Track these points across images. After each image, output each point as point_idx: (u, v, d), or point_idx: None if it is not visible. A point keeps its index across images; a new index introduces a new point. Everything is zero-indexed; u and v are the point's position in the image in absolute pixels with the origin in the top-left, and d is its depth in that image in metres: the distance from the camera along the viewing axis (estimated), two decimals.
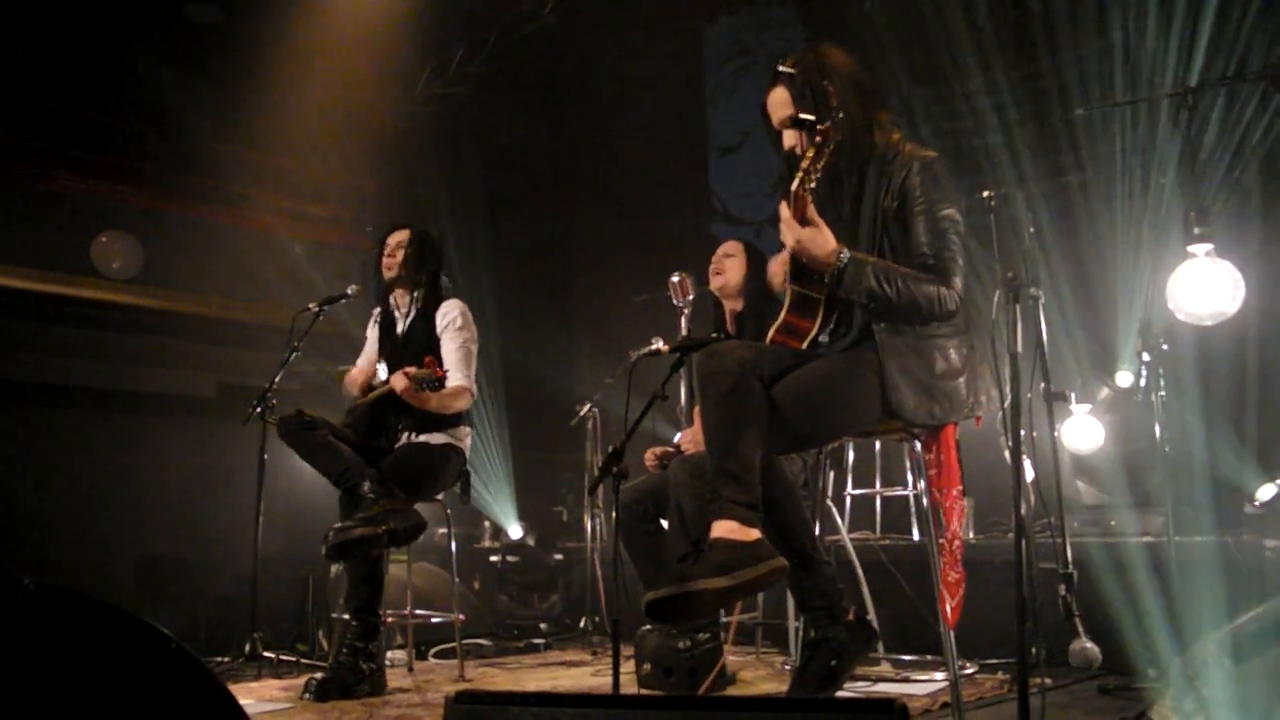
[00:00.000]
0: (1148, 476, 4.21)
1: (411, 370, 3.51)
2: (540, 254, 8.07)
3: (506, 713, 1.53)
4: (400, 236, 3.85)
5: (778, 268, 2.64)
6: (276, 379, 4.20)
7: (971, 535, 4.28)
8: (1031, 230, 2.64)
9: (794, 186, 2.32)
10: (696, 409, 3.19)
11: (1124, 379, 4.54)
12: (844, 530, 3.97)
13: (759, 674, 3.73)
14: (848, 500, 4.39)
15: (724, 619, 3.70)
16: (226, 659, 4.24)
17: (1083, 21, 5.16)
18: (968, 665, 3.49)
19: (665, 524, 3.41)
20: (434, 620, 4.45)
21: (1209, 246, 3.52)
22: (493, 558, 6.18)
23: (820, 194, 2.38)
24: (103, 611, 1.20)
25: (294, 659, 4.25)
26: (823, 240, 2.35)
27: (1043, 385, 2.72)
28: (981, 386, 2.51)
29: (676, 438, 3.74)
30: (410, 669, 3.99)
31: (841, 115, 2.36)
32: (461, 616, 4.03)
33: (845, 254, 2.36)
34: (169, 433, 6.19)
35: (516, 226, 7.96)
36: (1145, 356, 3.54)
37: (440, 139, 7.42)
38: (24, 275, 5.97)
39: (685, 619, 3.01)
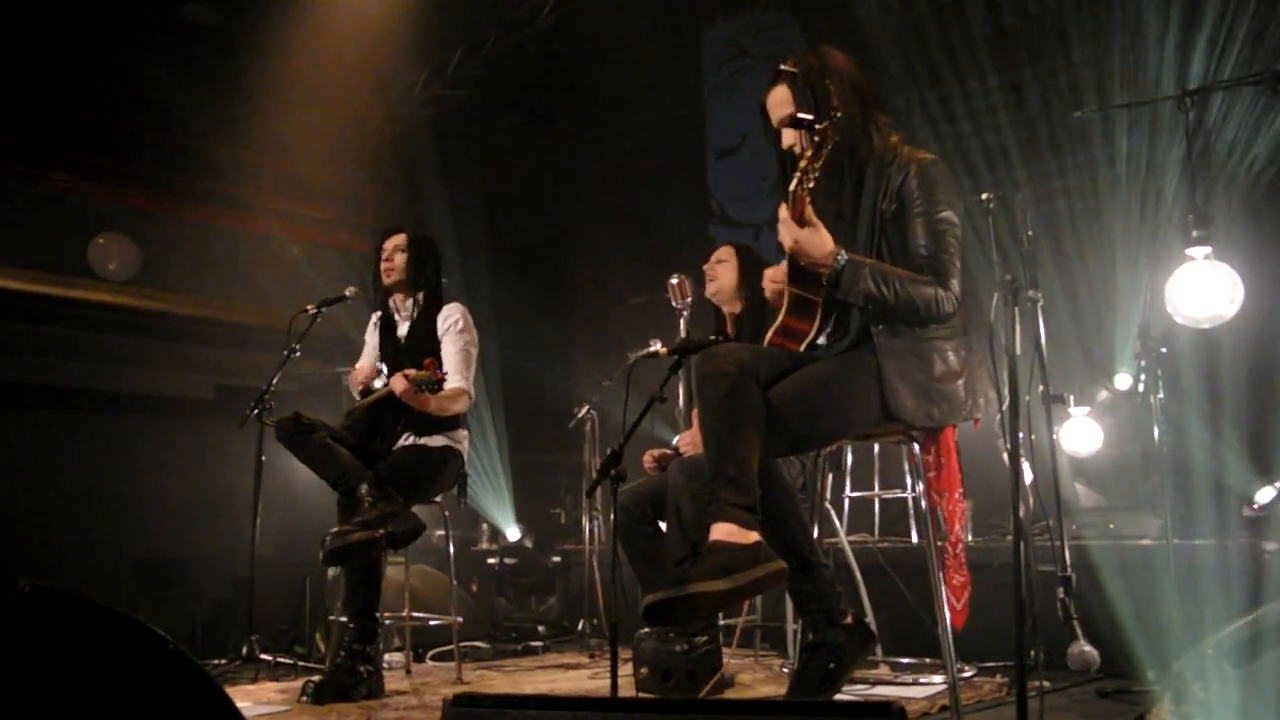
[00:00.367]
0: (1146, 479, 4.21)
1: (411, 372, 3.50)
2: (538, 256, 8.07)
3: (504, 716, 1.52)
4: (397, 241, 3.84)
5: (770, 281, 2.63)
6: (274, 381, 4.19)
7: (970, 538, 4.27)
8: (1030, 233, 2.63)
9: (792, 186, 2.32)
10: (695, 411, 3.19)
11: (1122, 382, 4.55)
12: (842, 533, 3.97)
13: (757, 677, 3.72)
14: (846, 503, 4.39)
15: (724, 622, 3.70)
16: (223, 661, 4.23)
17: (1081, 24, 5.16)
18: (966, 668, 3.48)
19: (664, 526, 3.41)
20: (432, 623, 4.45)
21: (1207, 249, 3.52)
22: (490, 560, 6.18)
23: (818, 197, 2.38)
24: (99, 614, 1.19)
25: (291, 661, 4.24)
26: (820, 241, 2.35)
27: (1041, 388, 2.72)
28: (980, 389, 2.51)
29: (675, 440, 3.74)
30: (408, 671, 3.98)
31: (840, 115, 2.36)
32: (459, 619, 4.02)
33: (843, 255, 2.36)
34: (166, 434, 6.18)
35: (514, 229, 7.97)
36: (1143, 359, 3.54)
37: (438, 141, 7.42)
38: (21, 277, 5.97)
39: (683, 622, 3.01)
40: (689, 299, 3.98)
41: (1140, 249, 4.56)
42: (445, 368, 3.64)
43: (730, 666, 3.43)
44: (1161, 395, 3.47)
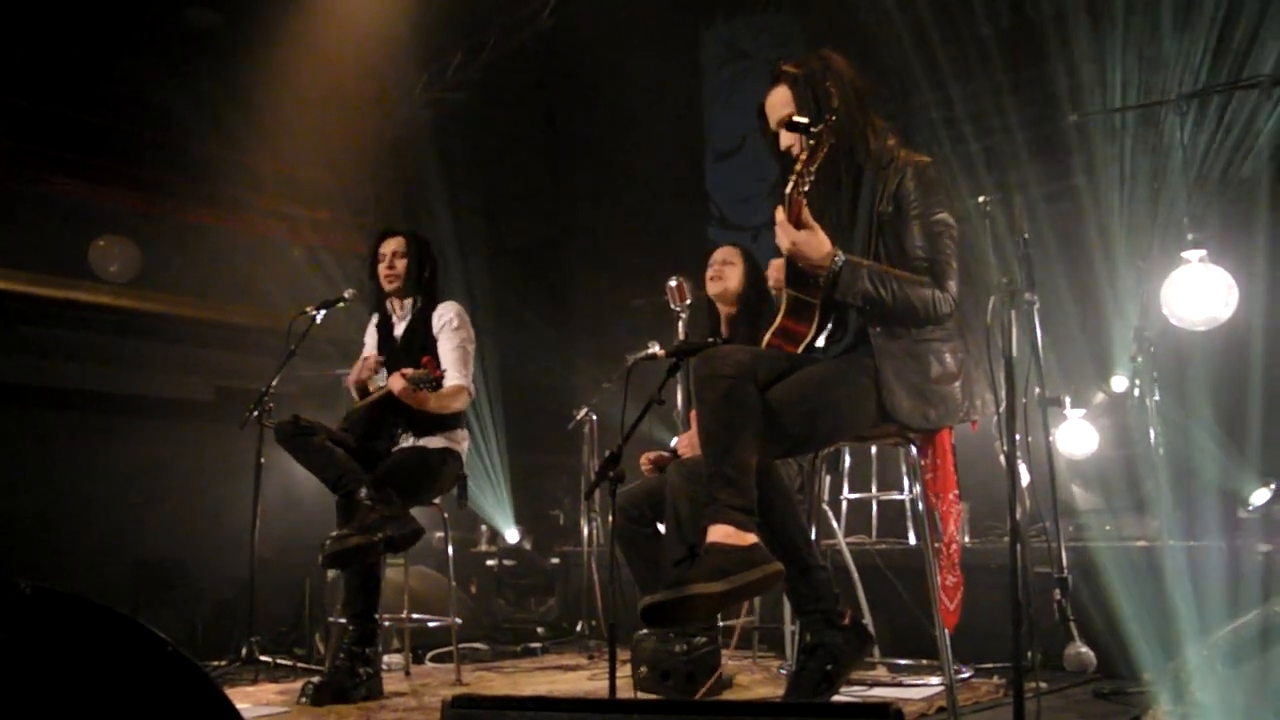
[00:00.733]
0: (1142, 481, 4.22)
1: (408, 371, 3.50)
2: (537, 258, 8.08)
3: (503, 717, 1.53)
4: (395, 245, 3.84)
5: (775, 273, 2.64)
6: (274, 383, 4.20)
7: (967, 540, 4.28)
8: (1026, 235, 2.64)
9: (788, 189, 2.33)
10: (693, 413, 3.20)
11: (1119, 384, 4.56)
12: (840, 535, 3.98)
13: (755, 678, 3.73)
14: (844, 505, 4.39)
15: (723, 623, 3.71)
16: (223, 663, 4.24)
17: (1078, 27, 5.17)
18: (963, 670, 3.49)
19: (662, 528, 3.42)
20: (431, 624, 4.46)
21: (1203, 252, 3.53)
22: (489, 562, 6.18)
23: (815, 200, 2.39)
24: (99, 615, 1.20)
25: (291, 663, 4.24)
26: (817, 243, 2.36)
27: (1038, 390, 2.73)
28: (976, 390, 2.52)
29: (673, 442, 3.75)
30: (407, 673, 3.99)
31: (836, 118, 2.37)
32: (458, 620, 4.03)
33: (840, 257, 2.37)
34: (166, 436, 6.18)
35: (514, 231, 7.97)
36: (1140, 362, 3.55)
37: (438, 143, 7.43)
38: (22, 278, 5.97)
39: (681, 624, 3.01)
40: (688, 301, 3.98)
41: (1136, 252, 4.58)
42: (443, 365, 3.65)
43: (728, 668, 3.44)
44: (1157, 397, 3.48)
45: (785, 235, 2.38)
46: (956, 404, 2.47)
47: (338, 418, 3.87)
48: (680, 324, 4.00)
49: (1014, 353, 2.32)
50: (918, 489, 2.59)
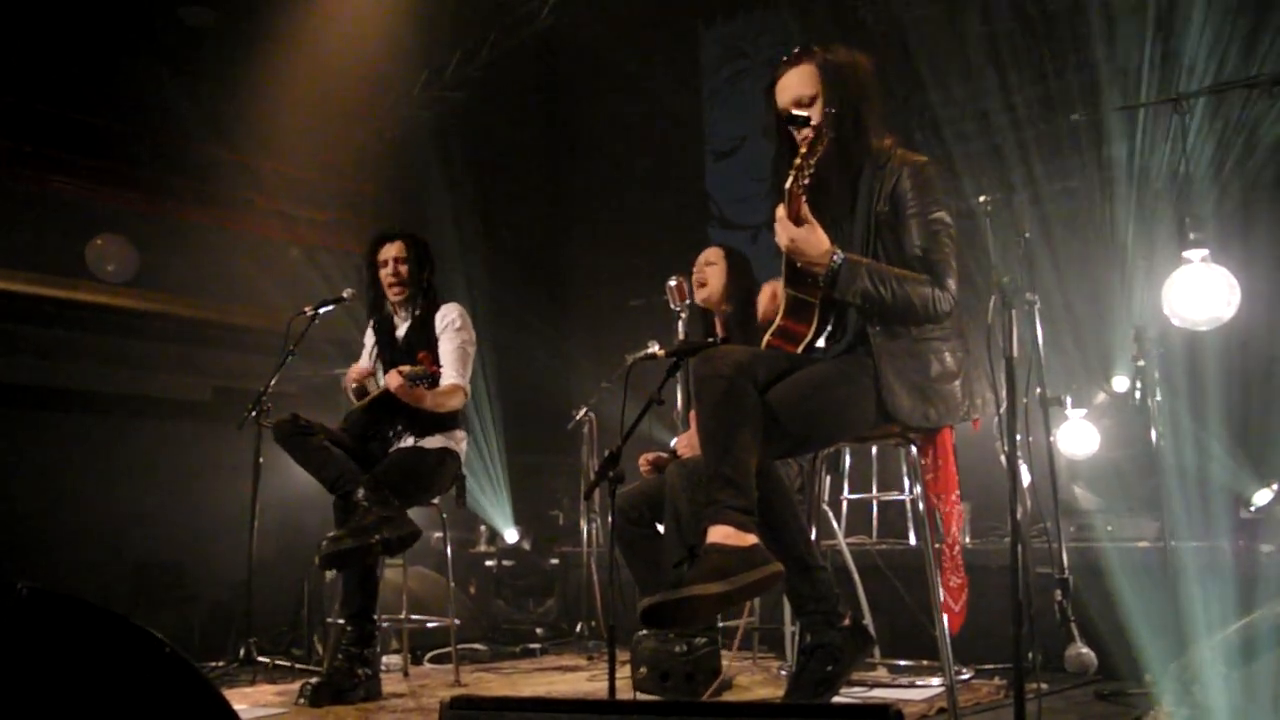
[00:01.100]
0: (1143, 481, 4.21)
1: (405, 368, 3.49)
2: (537, 258, 8.07)
3: (502, 718, 1.53)
4: (396, 250, 3.81)
5: (765, 299, 2.63)
6: (272, 383, 4.19)
7: (967, 540, 4.28)
8: (1027, 235, 2.64)
9: (788, 184, 2.33)
10: (693, 413, 3.19)
11: (1120, 384, 4.56)
12: (840, 535, 3.97)
13: (755, 679, 3.72)
14: (844, 505, 4.38)
15: (723, 624, 3.70)
16: (221, 664, 4.23)
17: (1078, 28, 5.17)
18: (964, 671, 3.48)
19: (661, 529, 3.41)
20: (429, 625, 4.45)
21: (1204, 252, 3.52)
22: (488, 562, 6.17)
23: (814, 199, 2.38)
24: (97, 616, 1.19)
25: (289, 664, 4.24)
26: (816, 240, 2.36)
27: (1038, 390, 2.73)
28: (976, 390, 2.51)
29: (673, 442, 3.74)
30: (405, 674, 3.98)
31: (833, 112, 2.37)
32: (457, 621, 4.02)
33: (839, 255, 2.36)
34: (164, 436, 6.17)
35: (513, 230, 7.97)
36: (1140, 362, 3.55)
37: (437, 143, 7.42)
38: (18, 278, 5.96)
39: (681, 625, 3.01)
40: (687, 301, 3.98)
41: (1137, 251, 4.57)
42: (441, 364, 3.64)
43: (728, 669, 3.43)
44: (1158, 397, 3.48)
45: (784, 231, 2.37)
46: (957, 403, 2.46)
47: (337, 418, 3.86)
48: (680, 324, 4.00)
49: (1014, 353, 2.31)
50: (918, 489, 2.58)
